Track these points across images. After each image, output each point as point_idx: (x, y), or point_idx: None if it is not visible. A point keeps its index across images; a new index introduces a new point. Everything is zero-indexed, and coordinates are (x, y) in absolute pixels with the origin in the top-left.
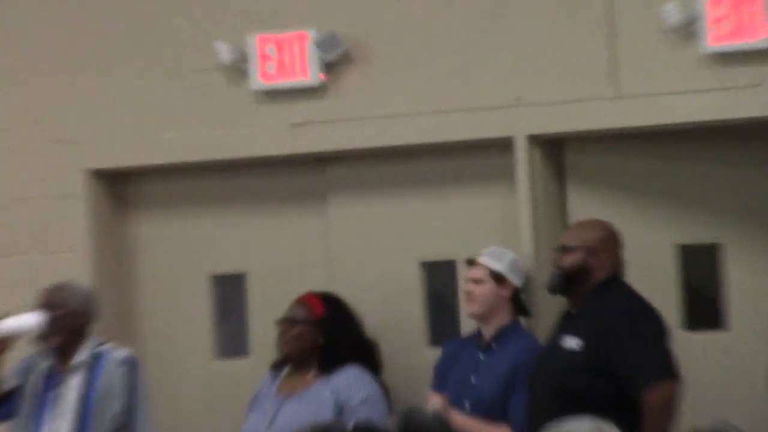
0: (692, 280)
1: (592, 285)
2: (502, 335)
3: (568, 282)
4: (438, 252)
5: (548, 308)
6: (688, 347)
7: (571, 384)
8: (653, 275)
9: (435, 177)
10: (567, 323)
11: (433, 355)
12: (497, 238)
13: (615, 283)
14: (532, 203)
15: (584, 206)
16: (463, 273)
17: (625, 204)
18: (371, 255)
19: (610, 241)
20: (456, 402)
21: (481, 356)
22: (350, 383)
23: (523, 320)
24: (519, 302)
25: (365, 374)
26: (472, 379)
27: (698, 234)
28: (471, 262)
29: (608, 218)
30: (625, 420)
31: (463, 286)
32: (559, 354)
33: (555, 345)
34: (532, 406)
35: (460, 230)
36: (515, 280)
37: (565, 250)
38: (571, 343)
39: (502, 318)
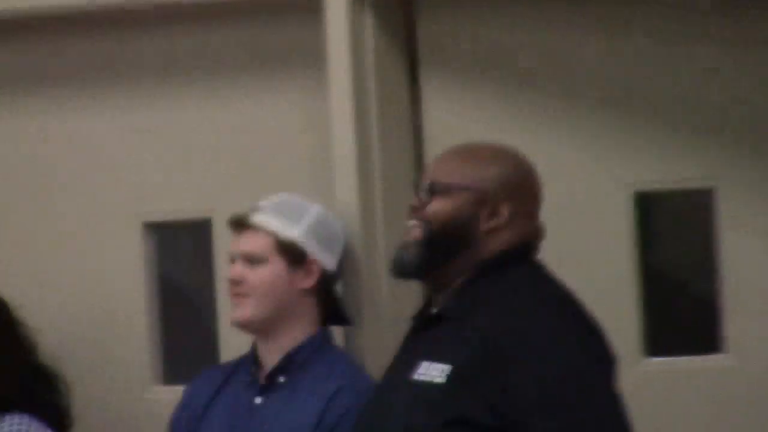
0: (654, 259)
1: (475, 262)
2: (297, 360)
3: (431, 251)
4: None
5: (389, 309)
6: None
7: None
8: (591, 253)
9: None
10: (423, 334)
11: (168, 398)
12: (292, 176)
13: (520, 265)
14: (357, 102)
15: (453, 112)
16: (231, 244)
17: (536, 117)
18: None
19: (519, 185)
20: None
21: (257, 400)
22: None
23: (337, 332)
24: (330, 299)
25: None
26: None
27: (667, 172)
28: (239, 224)
29: (503, 138)
30: None
31: (228, 270)
32: (406, 393)
33: (400, 376)
34: None
35: (223, 157)
36: (324, 258)
37: (431, 190)
38: (431, 370)
39: (299, 328)
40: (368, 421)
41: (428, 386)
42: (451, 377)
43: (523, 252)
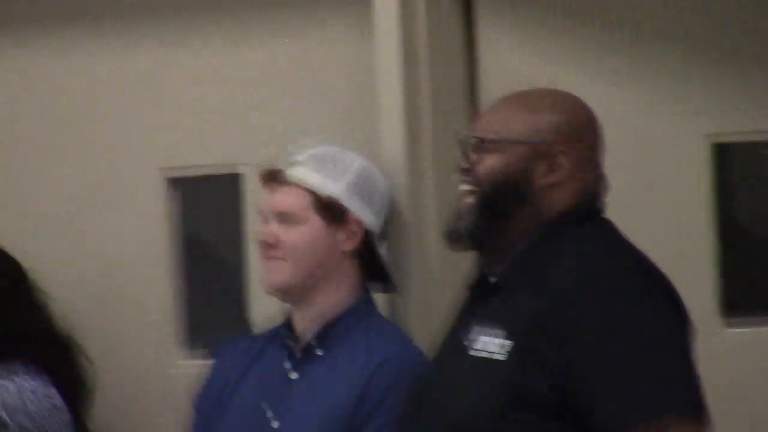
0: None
1: (536, 222)
2: (336, 331)
3: (485, 216)
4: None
5: (438, 273)
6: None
7: (487, 424)
8: (663, 207)
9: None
10: (480, 306)
11: (193, 371)
12: (331, 126)
13: (586, 223)
14: (405, 45)
15: (512, 54)
16: (263, 201)
17: (605, 60)
18: None
19: (579, 133)
20: None
21: (293, 375)
22: None
23: (380, 299)
24: (374, 262)
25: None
26: (272, 421)
27: (747, 122)
28: (273, 179)
29: (571, 88)
30: None
31: (258, 228)
32: (463, 365)
33: (455, 348)
34: None
35: (254, 105)
36: (368, 217)
37: (480, 147)
38: (490, 343)
39: (340, 294)
40: (420, 398)
41: (488, 363)
42: (511, 353)
43: (588, 208)
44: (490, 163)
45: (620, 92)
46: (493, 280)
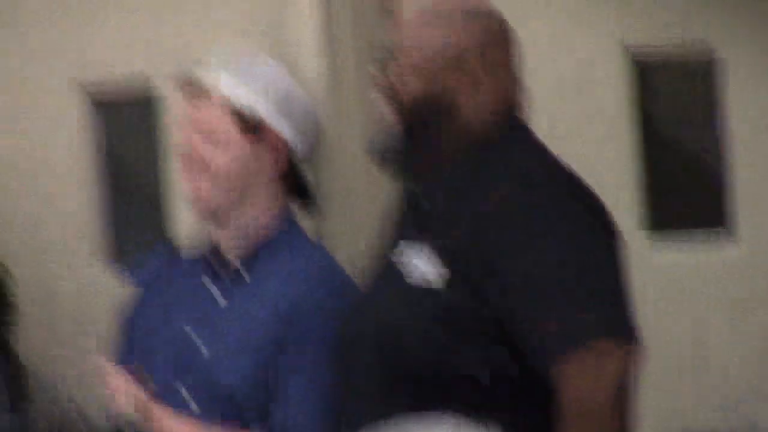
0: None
1: (461, 138)
2: (262, 254)
3: (409, 134)
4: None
5: (365, 195)
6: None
7: (421, 352)
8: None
9: None
10: (410, 227)
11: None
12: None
13: (509, 134)
14: None
15: None
16: (180, 111)
17: None
18: None
19: (495, 40)
20: (165, 391)
21: (219, 298)
22: None
23: (306, 222)
24: (298, 181)
25: None
26: (201, 346)
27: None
28: (192, 87)
29: None
30: (527, 423)
31: (178, 142)
32: (395, 291)
33: (387, 272)
34: (344, 397)
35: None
36: (290, 132)
37: (401, 61)
38: (422, 266)
39: (264, 216)
40: (354, 320)
41: (418, 284)
42: (444, 271)
43: (511, 121)
44: (409, 81)
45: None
46: (423, 201)
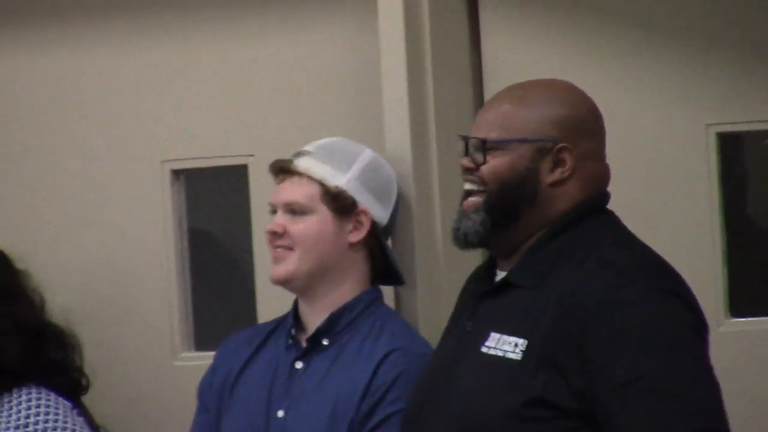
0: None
1: (543, 221)
2: (343, 321)
3: (493, 216)
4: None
5: (444, 268)
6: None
7: (503, 424)
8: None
9: None
10: (489, 303)
11: (199, 365)
12: (337, 120)
13: (594, 219)
14: (409, 38)
15: (517, 47)
16: (272, 193)
17: (607, 52)
18: None
19: (581, 127)
20: None
21: (298, 364)
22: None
23: (387, 293)
24: (381, 255)
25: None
26: (279, 411)
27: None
28: (282, 170)
29: (576, 80)
30: None
31: (267, 222)
32: (474, 363)
33: (464, 344)
34: None
35: (261, 98)
36: (375, 209)
37: (482, 147)
38: (502, 343)
39: (347, 287)
40: (427, 393)
41: (501, 362)
42: (526, 353)
43: (594, 203)
44: (494, 163)
45: (623, 83)
46: (501, 276)
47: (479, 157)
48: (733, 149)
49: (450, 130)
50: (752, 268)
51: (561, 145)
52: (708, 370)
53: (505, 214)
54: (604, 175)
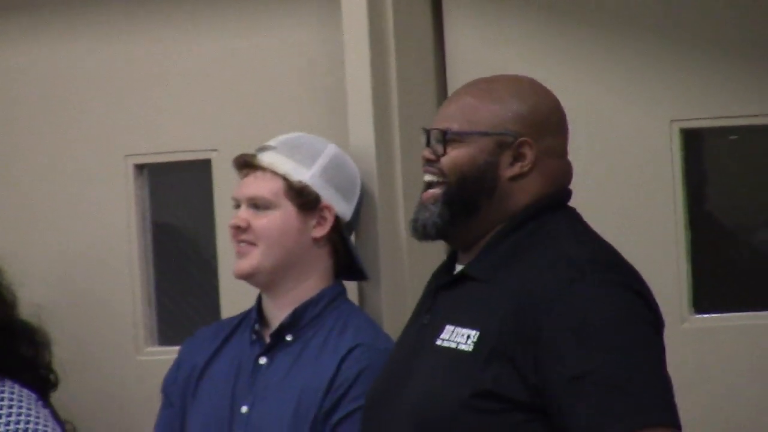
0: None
1: (502, 215)
2: (306, 316)
3: (452, 208)
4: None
5: (408, 262)
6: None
7: (457, 421)
8: (634, 197)
9: None
10: (446, 296)
11: (163, 360)
12: (301, 115)
13: (554, 214)
14: (373, 34)
15: (479, 44)
16: (236, 187)
17: (571, 49)
18: None
19: (543, 122)
20: None
21: (262, 360)
22: None
23: (350, 288)
24: (344, 250)
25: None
26: (243, 407)
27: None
28: (245, 165)
29: (535, 73)
30: None
31: (230, 216)
32: (428, 355)
33: (421, 339)
34: None
35: (224, 93)
36: (339, 204)
37: (444, 139)
38: (455, 335)
39: (310, 282)
40: (385, 386)
41: (454, 353)
42: (478, 344)
43: (554, 199)
44: (454, 155)
45: (585, 81)
46: (459, 269)
47: (439, 148)
48: (697, 145)
49: (414, 126)
50: (716, 265)
51: (521, 139)
52: (660, 364)
53: (463, 207)
54: (565, 172)
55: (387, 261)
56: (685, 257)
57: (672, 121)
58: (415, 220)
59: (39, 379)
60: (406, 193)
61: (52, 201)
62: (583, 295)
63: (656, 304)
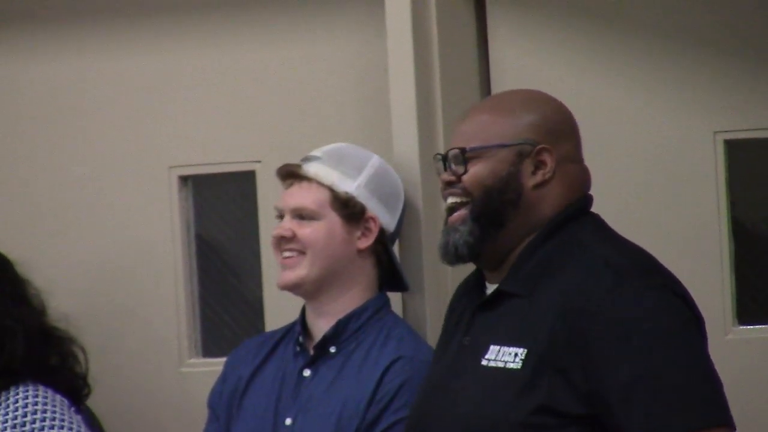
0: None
1: (530, 225)
2: (350, 328)
3: (480, 225)
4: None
5: (451, 274)
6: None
7: None
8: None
9: None
10: (483, 316)
11: (206, 372)
12: (344, 125)
13: (579, 222)
14: (417, 44)
15: (524, 53)
16: (280, 198)
17: (614, 58)
18: None
19: (558, 129)
20: None
21: (306, 372)
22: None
23: (394, 299)
24: (388, 262)
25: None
26: (287, 419)
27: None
28: (290, 175)
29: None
30: None
31: (277, 227)
32: (475, 375)
33: (462, 356)
34: None
35: (268, 103)
36: (383, 216)
37: (462, 157)
38: (502, 354)
39: (354, 293)
40: (427, 410)
41: (503, 373)
42: (526, 361)
43: (579, 207)
44: (476, 171)
45: (631, 90)
46: (492, 288)
47: (459, 168)
48: (740, 157)
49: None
50: (759, 276)
51: (540, 146)
52: (709, 364)
53: (491, 220)
54: (585, 177)
55: (430, 271)
56: (729, 268)
57: (715, 132)
58: (445, 244)
59: (70, 387)
60: None
61: (97, 212)
62: (629, 301)
63: (695, 304)
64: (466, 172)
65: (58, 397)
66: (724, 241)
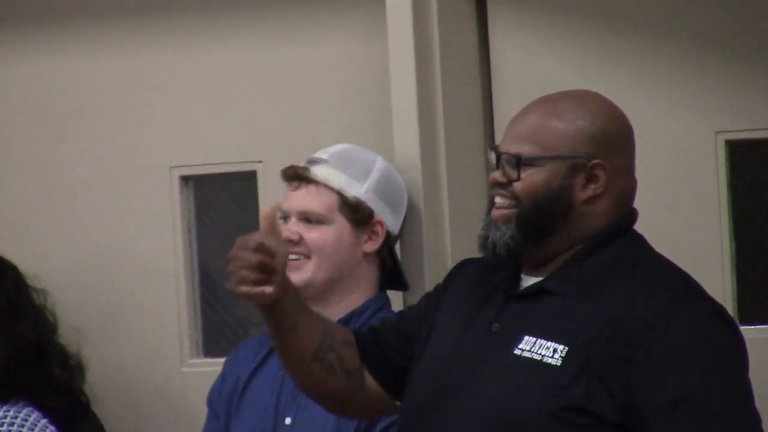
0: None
1: (576, 236)
2: (348, 327)
3: (526, 232)
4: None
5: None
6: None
7: (541, 425)
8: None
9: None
10: (517, 308)
11: (207, 372)
12: (346, 126)
13: (627, 238)
14: (418, 44)
15: (526, 53)
16: (282, 201)
17: (615, 57)
18: None
19: (613, 142)
20: None
21: None
22: None
23: (396, 296)
24: (393, 263)
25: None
26: (286, 419)
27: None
28: (297, 177)
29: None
30: None
31: (284, 227)
32: (509, 366)
33: (492, 346)
34: None
35: (269, 104)
36: (390, 219)
37: (517, 163)
38: (539, 347)
39: (358, 294)
40: (447, 385)
41: (538, 365)
42: (566, 359)
43: (627, 223)
44: (529, 180)
45: (632, 89)
46: (531, 282)
47: (513, 173)
48: (741, 156)
49: (459, 137)
50: (760, 276)
51: (595, 161)
52: (750, 396)
53: (537, 230)
54: (632, 190)
55: (432, 272)
56: (730, 268)
57: (717, 132)
58: (485, 237)
59: (69, 402)
60: (452, 204)
61: (98, 212)
62: (682, 322)
63: (740, 330)
64: (519, 179)
65: (42, 422)
66: (725, 241)
